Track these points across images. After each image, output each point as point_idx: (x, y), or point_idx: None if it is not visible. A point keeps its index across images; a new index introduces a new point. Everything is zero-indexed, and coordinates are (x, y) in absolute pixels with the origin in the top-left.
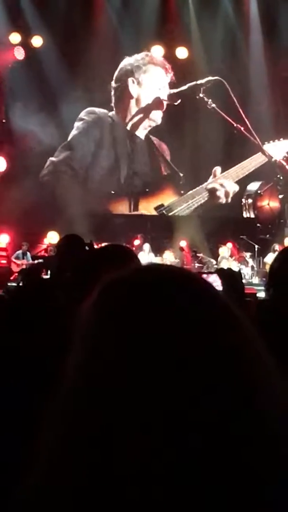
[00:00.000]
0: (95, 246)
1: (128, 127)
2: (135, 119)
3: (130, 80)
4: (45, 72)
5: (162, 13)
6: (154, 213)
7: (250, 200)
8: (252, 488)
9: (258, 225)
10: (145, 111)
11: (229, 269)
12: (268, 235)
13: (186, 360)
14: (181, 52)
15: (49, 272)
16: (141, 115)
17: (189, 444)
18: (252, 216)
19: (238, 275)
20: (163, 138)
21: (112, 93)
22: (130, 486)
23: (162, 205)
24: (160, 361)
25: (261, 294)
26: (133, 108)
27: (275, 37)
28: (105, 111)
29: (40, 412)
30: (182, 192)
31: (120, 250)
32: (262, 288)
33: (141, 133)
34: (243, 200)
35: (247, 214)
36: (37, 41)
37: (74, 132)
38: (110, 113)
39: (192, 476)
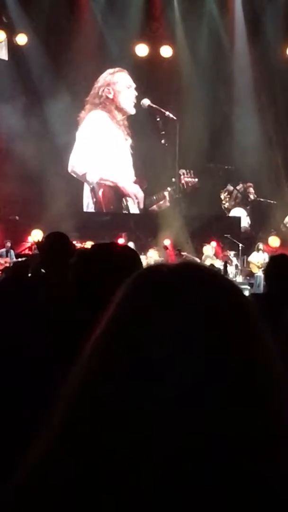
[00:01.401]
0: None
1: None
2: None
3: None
4: (29, 69)
5: (146, 12)
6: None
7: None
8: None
9: None
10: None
11: (212, 265)
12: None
13: (215, 363)
14: (166, 51)
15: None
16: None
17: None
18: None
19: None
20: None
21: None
22: (124, 484)
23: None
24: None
25: (245, 293)
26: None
27: (260, 35)
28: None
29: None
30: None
31: (126, 257)
32: (246, 286)
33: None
34: (222, 195)
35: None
36: (21, 39)
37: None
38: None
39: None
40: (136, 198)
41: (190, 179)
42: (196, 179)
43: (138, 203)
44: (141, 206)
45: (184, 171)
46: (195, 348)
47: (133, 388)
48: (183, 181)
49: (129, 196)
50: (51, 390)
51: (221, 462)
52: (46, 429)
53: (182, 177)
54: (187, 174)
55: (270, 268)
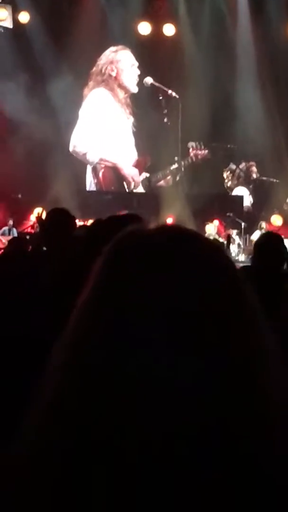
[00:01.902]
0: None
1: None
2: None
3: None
4: (32, 47)
5: None
6: (142, 190)
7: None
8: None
9: None
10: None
11: (215, 240)
12: None
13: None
14: (169, 29)
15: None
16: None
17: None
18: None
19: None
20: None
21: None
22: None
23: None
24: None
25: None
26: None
27: (263, 13)
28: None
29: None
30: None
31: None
32: (249, 265)
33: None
34: (225, 174)
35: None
36: (23, 16)
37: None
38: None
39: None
40: (133, 181)
41: (200, 152)
42: (207, 151)
43: (135, 185)
44: (139, 188)
45: (193, 143)
46: (183, 316)
47: (120, 355)
48: (192, 155)
49: (127, 178)
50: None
51: (214, 442)
52: (37, 402)
53: (191, 150)
54: (196, 147)
55: (261, 243)
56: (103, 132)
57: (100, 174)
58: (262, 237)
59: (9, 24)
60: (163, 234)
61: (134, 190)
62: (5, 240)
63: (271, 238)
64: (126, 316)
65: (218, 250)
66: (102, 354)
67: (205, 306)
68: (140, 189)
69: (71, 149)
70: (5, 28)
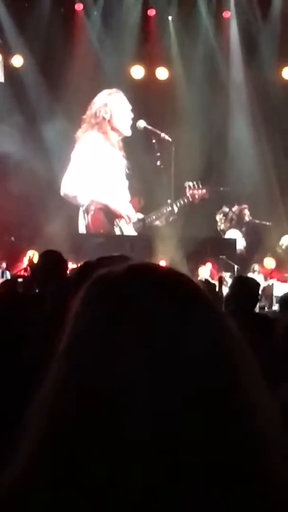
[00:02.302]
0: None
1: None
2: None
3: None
4: (26, 91)
5: (142, 34)
6: (134, 233)
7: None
8: None
9: None
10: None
11: (207, 281)
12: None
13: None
14: (162, 73)
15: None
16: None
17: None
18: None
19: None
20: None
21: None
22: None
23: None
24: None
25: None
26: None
27: (255, 57)
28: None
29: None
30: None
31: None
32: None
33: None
34: (218, 217)
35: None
36: (17, 60)
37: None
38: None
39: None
40: (129, 219)
41: (197, 191)
42: (205, 190)
43: (129, 223)
44: (133, 227)
45: (190, 183)
46: (147, 360)
47: (95, 397)
48: (188, 194)
49: (121, 217)
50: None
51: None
52: (27, 433)
53: (188, 189)
54: (194, 187)
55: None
56: (95, 175)
57: (89, 217)
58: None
59: (1, 68)
60: (129, 276)
61: (128, 230)
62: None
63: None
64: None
65: (183, 283)
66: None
67: (177, 345)
68: (132, 231)
69: (62, 191)
70: None
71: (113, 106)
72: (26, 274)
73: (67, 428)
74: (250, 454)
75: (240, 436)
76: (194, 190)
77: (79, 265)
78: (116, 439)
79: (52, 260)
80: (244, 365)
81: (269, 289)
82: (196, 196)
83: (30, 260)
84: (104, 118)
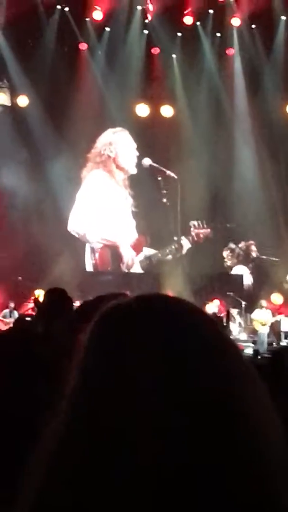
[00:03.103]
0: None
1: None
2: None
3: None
4: (31, 130)
5: (146, 72)
6: (140, 270)
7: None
8: None
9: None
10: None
11: (214, 314)
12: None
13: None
14: (166, 111)
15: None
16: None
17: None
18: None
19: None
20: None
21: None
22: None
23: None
24: (144, 394)
25: (249, 351)
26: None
27: (259, 93)
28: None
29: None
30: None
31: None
32: (250, 344)
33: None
34: (224, 253)
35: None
36: (22, 100)
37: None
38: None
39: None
40: (131, 262)
41: (202, 230)
42: (209, 230)
43: (132, 265)
44: (137, 269)
45: (195, 222)
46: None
47: (107, 429)
48: (193, 234)
49: (124, 259)
50: None
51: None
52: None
53: (192, 229)
54: (198, 226)
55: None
56: (102, 213)
57: (97, 255)
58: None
59: (7, 107)
60: (139, 306)
61: (131, 270)
62: (8, 321)
63: None
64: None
65: (194, 313)
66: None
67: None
68: (138, 269)
69: (69, 228)
70: (4, 110)
71: (118, 144)
72: (33, 313)
73: (79, 465)
74: (258, 478)
75: (246, 461)
76: (199, 230)
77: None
78: (128, 470)
79: (56, 298)
80: (253, 391)
81: (276, 324)
82: (201, 236)
83: (36, 300)
84: (109, 157)
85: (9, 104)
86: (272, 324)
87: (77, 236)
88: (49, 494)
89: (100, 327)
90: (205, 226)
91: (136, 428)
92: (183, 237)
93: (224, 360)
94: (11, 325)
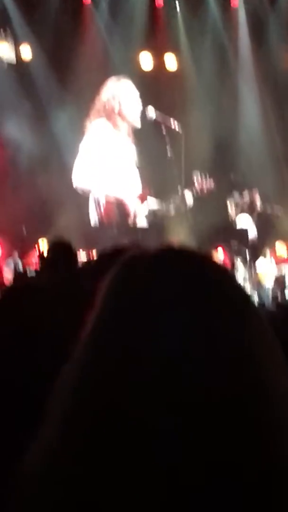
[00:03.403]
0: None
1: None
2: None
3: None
4: (34, 81)
5: (150, 23)
6: (145, 223)
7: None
8: None
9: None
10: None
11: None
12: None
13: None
14: (170, 63)
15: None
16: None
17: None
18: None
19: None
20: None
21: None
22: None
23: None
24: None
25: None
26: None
27: (264, 44)
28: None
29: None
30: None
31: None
32: (254, 297)
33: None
34: (229, 204)
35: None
36: (25, 50)
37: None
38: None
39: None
40: (136, 214)
41: (205, 183)
42: (212, 182)
43: (137, 218)
44: (142, 222)
45: (198, 175)
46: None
47: (120, 383)
48: (196, 186)
49: (130, 212)
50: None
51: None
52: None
53: (195, 182)
54: (201, 178)
55: None
56: (105, 165)
57: (102, 208)
58: None
59: (11, 58)
60: (165, 258)
61: (136, 222)
62: (11, 272)
63: None
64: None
65: (225, 272)
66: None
67: (211, 337)
68: (143, 221)
69: (74, 184)
70: (8, 63)
71: (121, 95)
72: (37, 265)
73: (91, 415)
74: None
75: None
76: (202, 182)
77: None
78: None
79: (61, 250)
80: (271, 358)
81: (281, 278)
82: (204, 188)
83: (41, 252)
84: (113, 108)
85: (13, 58)
86: (276, 277)
87: (81, 192)
88: (62, 442)
89: (124, 273)
90: (208, 178)
91: (160, 375)
92: (186, 190)
93: (245, 321)
94: (14, 275)
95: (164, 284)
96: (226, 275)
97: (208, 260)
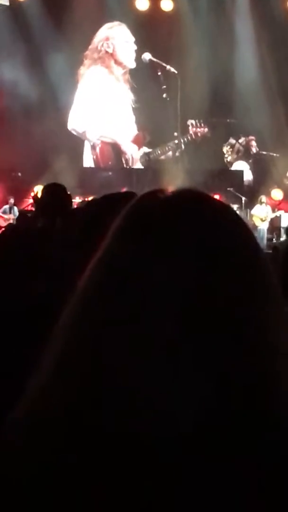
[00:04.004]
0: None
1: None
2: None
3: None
4: (29, 25)
5: None
6: (140, 166)
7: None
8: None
9: None
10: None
11: None
12: None
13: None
14: (166, 4)
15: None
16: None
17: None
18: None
19: None
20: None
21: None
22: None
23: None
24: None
25: None
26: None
27: None
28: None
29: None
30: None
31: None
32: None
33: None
34: (224, 149)
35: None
36: None
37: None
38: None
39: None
40: (132, 157)
41: (200, 129)
42: (206, 129)
43: (133, 161)
44: (137, 164)
45: (192, 121)
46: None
47: (123, 317)
48: (191, 132)
49: (126, 155)
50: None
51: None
52: (42, 365)
53: (190, 127)
54: (196, 125)
55: None
56: (101, 110)
57: (98, 150)
58: None
59: (6, 1)
60: (173, 205)
61: (133, 166)
62: (6, 217)
63: None
64: (131, 286)
65: (238, 218)
66: (113, 311)
67: (223, 280)
68: (139, 165)
69: (69, 127)
70: (2, 5)
71: (115, 39)
72: (33, 209)
73: (85, 358)
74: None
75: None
76: (196, 128)
77: (87, 199)
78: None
79: (56, 193)
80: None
81: (276, 220)
82: (199, 134)
83: (35, 196)
84: (107, 52)
85: (7, 3)
86: (271, 219)
87: (77, 134)
88: (54, 387)
89: (135, 216)
90: (202, 125)
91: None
92: (181, 135)
93: (252, 271)
94: (11, 221)
95: (178, 226)
96: (240, 222)
97: (222, 206)
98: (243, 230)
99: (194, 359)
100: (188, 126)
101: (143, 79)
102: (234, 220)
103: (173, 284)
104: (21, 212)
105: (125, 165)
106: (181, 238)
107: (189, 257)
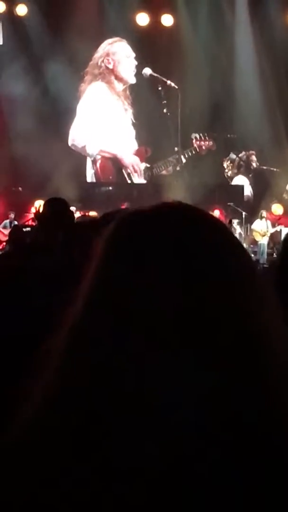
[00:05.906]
0: (79, 214)
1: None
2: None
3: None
4: (30, 41)
5: None
6: (142, 181)
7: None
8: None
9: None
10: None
11: None
12: None
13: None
14: (167, 20)
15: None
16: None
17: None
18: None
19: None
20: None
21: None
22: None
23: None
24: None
25: None
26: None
27: (262, 3)
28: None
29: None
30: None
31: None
32: (250, 255)
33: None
34: (225, 163)
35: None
36: (21, 9)
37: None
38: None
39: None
40: (135, 170)
41: (204, 142)
42: (212, 142)
43: (137, 174)
44: (141, 177)
45: (196, 135)
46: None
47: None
48: (195, 145)
49: (128, 168)
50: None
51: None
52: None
53: (194, 141)
54: (201, 138)
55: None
56: (102, 125)
57: (98, 165)
58: None
59: (6, 16)
60: (161, 213)
61: (137, 179)
62: (6, 232)
63: None
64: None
65: (226, 230)
66: (106, 337)
67: (213, 294)
68: (142, 179)
69: (70, 143)
70: (3, 21)
71: (115, 55)
72: (33, 224)
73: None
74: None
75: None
76: (201, 142)
77: (88, 214)
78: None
79: (57, 208)
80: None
81: (277, 235)
82: (203, 148)
83: (37, 210)
84: (107, 68)
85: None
86: (272, 234)
87: (77, 149)
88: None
89: (118, 234)
90: (207, 138)
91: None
92: (183, 150)
93: (233, 263)
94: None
95: (160, 239)
96: (224, 232)
97: (205, 216)
98: (223, 235)
99: (190, 365)
100: (192, 139)
101: (144, 94)
102: (213, 227)
103: (160, 298)
104: (15, 227)
105: (127, 180)
106: (161, 249)
107: (171, 265)
